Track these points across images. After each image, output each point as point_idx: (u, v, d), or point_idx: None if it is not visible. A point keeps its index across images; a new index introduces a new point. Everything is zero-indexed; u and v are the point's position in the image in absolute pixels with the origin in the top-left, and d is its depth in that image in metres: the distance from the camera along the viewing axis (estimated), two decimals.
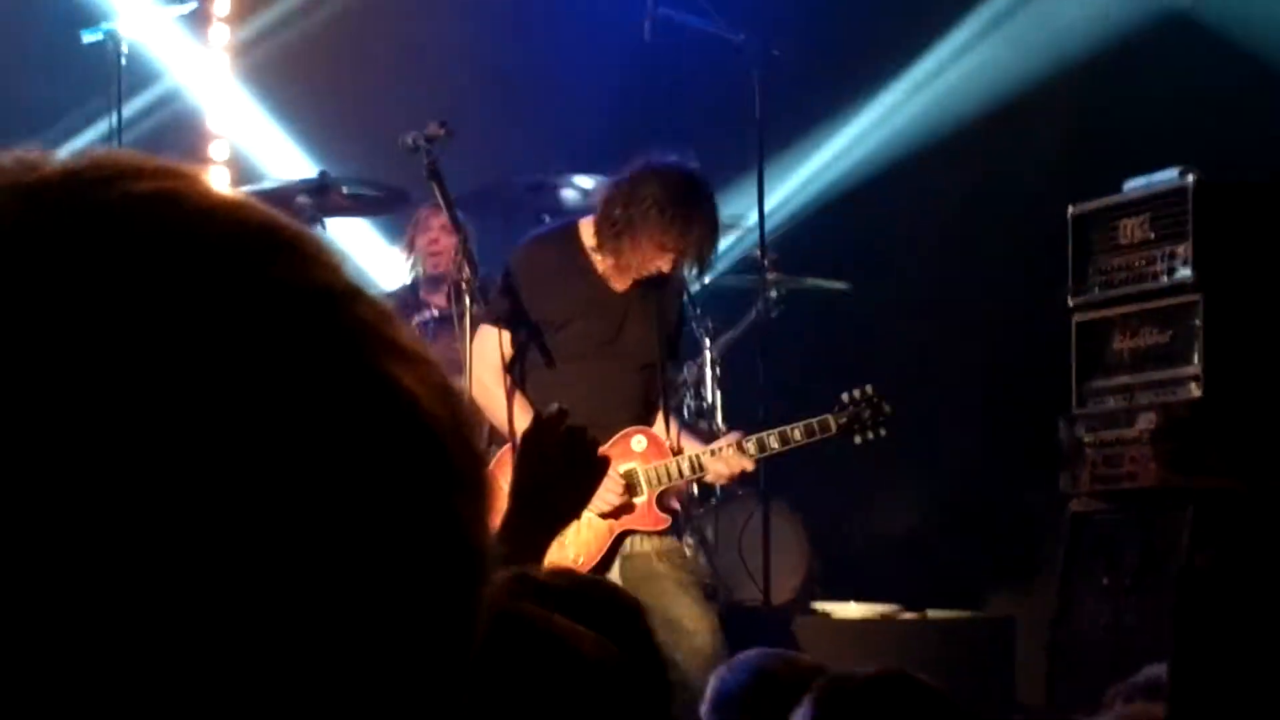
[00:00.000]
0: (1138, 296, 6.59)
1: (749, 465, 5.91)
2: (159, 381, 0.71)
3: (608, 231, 5.85)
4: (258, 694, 0.72)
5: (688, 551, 6.49)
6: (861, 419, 5.81)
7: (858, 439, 5.83)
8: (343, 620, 0.73)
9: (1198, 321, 6.34)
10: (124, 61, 7.34)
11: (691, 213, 5.84)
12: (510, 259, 6.33)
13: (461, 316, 6.52)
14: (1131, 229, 6.70)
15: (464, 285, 6.45)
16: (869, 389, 5.83)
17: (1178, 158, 6.77)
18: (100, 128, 7.59)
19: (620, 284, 6.02)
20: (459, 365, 6.48)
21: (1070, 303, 6.72)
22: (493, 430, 6.27)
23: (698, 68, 7.95)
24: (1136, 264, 6.59)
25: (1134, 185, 6.79)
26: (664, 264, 5.84)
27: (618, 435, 5.82)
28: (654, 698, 2.27)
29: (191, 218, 0.75)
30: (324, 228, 7.84)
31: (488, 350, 6.12)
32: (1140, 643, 5.41)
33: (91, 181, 0.76)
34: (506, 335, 6.10)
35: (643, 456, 5.93)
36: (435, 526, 0.75)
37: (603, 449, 5.83)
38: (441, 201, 6.43)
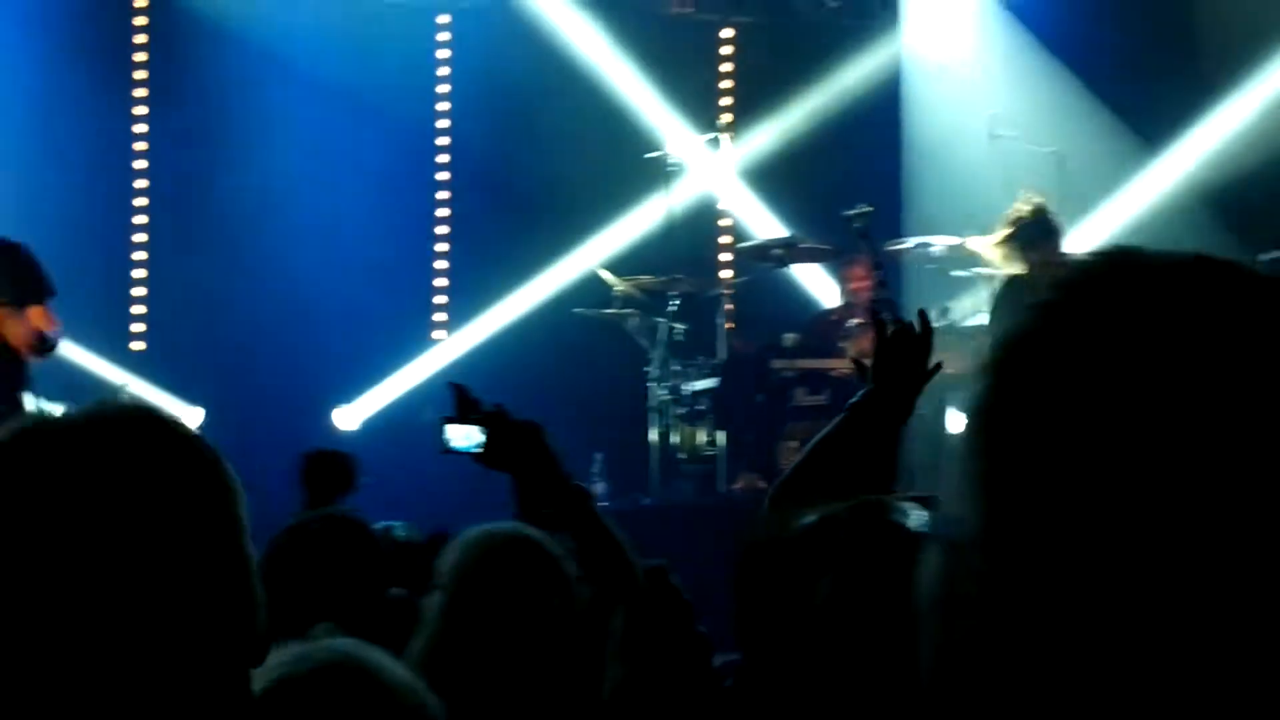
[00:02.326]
0: None
1: None
2: None
3: None
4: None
5: None
6: None
7: None
8: None
9: None
10: (673, 171, 10.09)
11: None
12: None
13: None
14: None
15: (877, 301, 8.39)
16: None
17: None
18: (653, 217, 10.38)
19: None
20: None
21: None
22: None
23: None
24: None
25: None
26: None
27: None
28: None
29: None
30: (791, 271, 10.25)
31: None
32: None
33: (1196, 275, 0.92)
34: None
35: None
36: None
37: None
38: (869, 252, 8.56)
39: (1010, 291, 8.21)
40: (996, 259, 8.17)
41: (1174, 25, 10.54)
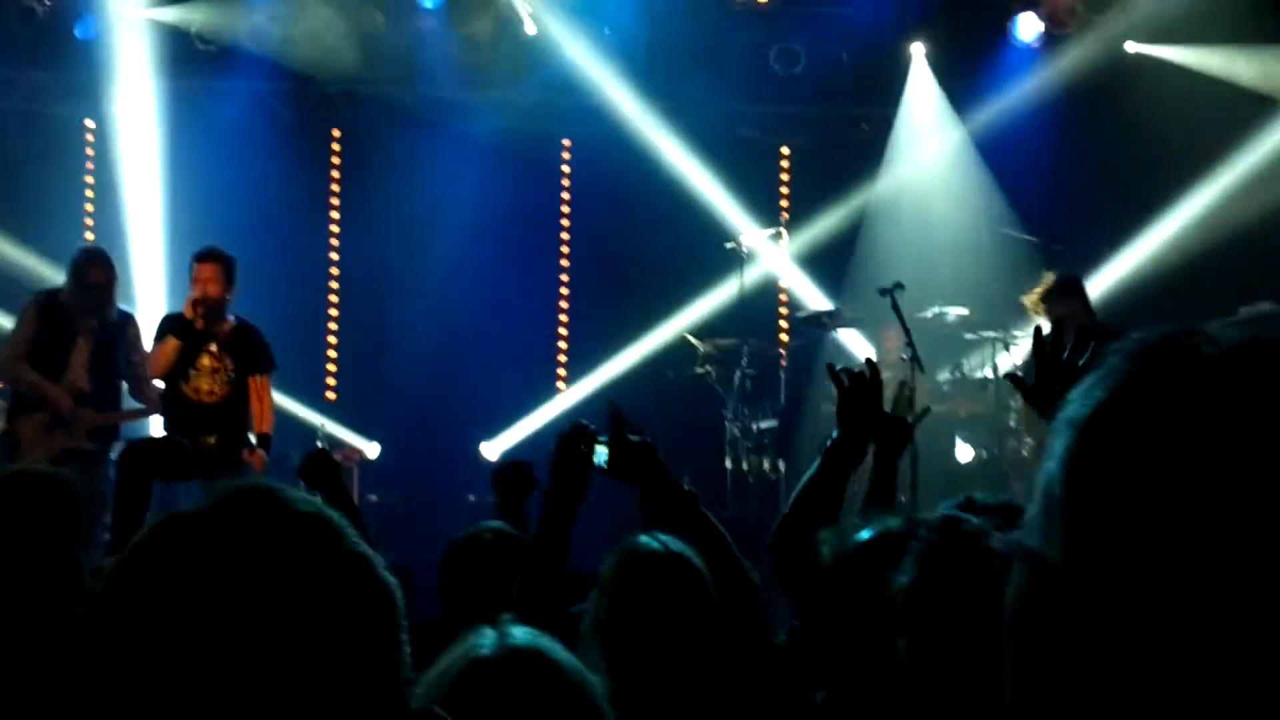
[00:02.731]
0: None
1: None
2: None
3: None
4: None
5: None
6: None
7: None
8: None
9: None
10: (744, 257, 10.19)
11: None
12: None
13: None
14: None
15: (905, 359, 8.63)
16: None
17: None
18: (726, 298, 10.54)
19: None
20: None
21: None
22: None
23: None
24: None
25: None
26: None
27: None
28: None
29: None
30: (836, 334, 10.19)
31: None
32: None
33: None
34: None
35: None
36: None
37: None
38: (899, 319, 8.41)
39: (1038, 340, 8.57)
40: (1034, 312, 8.51)
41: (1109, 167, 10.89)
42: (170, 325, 8.06)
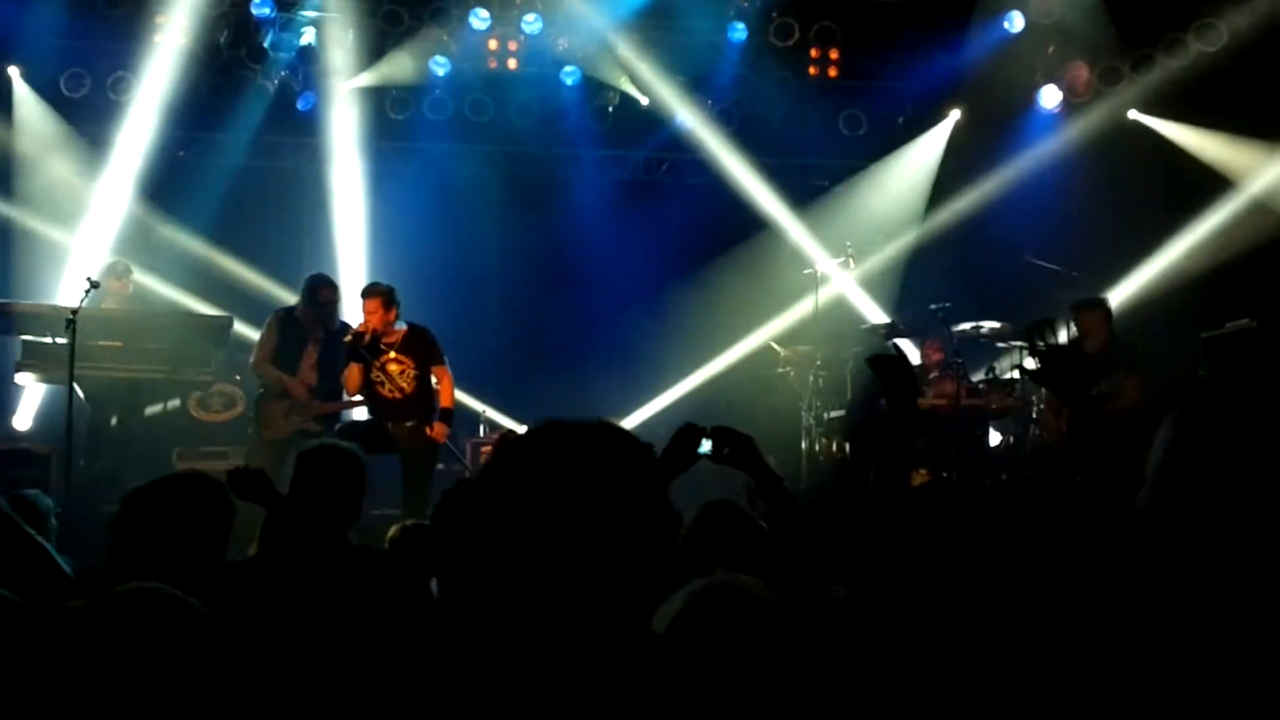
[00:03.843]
0: None
1: None
2: None
3: None
4: None
5: None
6: None
7: None
8: None
9: None
10: (819, 280, 10.40)
11: None
12: None
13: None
14: None
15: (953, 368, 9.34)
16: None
17: None
18: (804, 313, 10.64)
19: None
20: None
21: None
22: None
23: None
24: None
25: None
26: None
27: None
28: None
29: None
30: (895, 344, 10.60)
31: None
32: None
33: None
34: None
35: None
36: None
37: None
38: (946, 331, 9.08)
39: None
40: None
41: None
42: (352, 354, 8.28)
